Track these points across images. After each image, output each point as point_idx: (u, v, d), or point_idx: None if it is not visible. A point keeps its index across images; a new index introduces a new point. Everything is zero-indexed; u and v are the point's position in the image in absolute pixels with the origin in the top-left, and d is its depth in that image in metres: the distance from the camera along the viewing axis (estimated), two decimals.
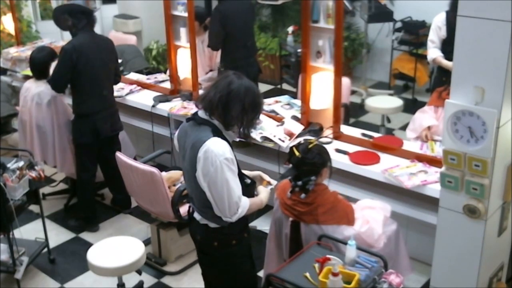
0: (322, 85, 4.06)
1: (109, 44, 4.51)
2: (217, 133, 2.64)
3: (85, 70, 4.27)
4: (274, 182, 3.01)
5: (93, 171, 4.58)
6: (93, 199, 4.70)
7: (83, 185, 4.58)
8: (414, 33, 6.44)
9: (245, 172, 2.87)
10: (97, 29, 5.61)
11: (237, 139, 3.79)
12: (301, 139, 3.45)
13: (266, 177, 3.00)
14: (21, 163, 3.81)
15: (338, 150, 3.92)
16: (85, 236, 4.57)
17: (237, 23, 5.07)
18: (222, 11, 4.99)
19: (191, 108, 4.63)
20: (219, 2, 5.15)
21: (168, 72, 5.25)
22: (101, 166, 4.63)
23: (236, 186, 2.65)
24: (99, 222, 4.69)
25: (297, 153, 3.04)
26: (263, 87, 6.90)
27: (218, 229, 2.77)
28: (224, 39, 5.06)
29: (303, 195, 3.06)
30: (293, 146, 3.13)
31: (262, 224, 4.48)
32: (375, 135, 4.15)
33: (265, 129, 4.18)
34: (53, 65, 4.51)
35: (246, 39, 5.22)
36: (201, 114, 2.70)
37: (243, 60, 5.09)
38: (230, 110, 2.61)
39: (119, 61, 5.44)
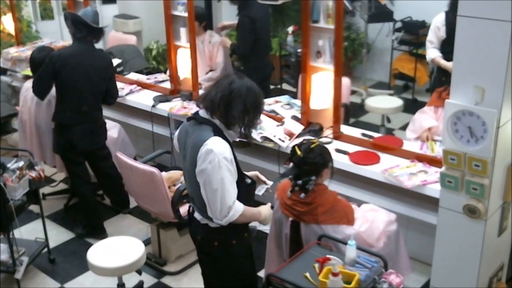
0: (322, 85, 4.06)
1: (105, 62, 4.35)
2: (218, 132, 2.65)
3: (67, 81, 4.17)
4: (270, 183, 3.01)
5: (82, 174, 4.45)
6: (95, 202, 4.62)
7: (79, 190, 4.49)
8: (414, 33, 6.44)
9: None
10: None
11: (237, 139, 3.80)
12: (301, 139, 3.45)
13: (262, 177, 3.01)
14: (21, 163, 3.81)
15: (338, 150, 3.92)
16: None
17: (264, 25, 5.06)
18: (252, 17, 4.92)
19: (191, 108, 4.63)
20: (243, 8, 5.00)
21: (168, 72, 5.24)
22: (96, 175, 4.58)
23: (231, 188, 2.64)
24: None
25: (299, 152, 3.05)
26: None
27: (218, 229, 2.77)
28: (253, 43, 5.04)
29: (302, 195, 3.06)
30: (295, 145, 3.13)
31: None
32: (375, 135, 4.15)
33: (265, 129, 4.18)
34: None
35: (266, 39, 5.24)
36: (202, 113, 2.71)
37: (261, 60, 5.07)
38: (231, 110, 2.62)
39: (119, 61, 5.44)
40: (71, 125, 4.24)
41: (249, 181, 2.82)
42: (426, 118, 4.14)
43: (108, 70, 4.37)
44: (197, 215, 2.84)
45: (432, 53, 4.51)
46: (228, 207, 2.64)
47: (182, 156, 2.81)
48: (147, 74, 5.78)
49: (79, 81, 4.19)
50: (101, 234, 4.48)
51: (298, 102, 4.44)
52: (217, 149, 2.58)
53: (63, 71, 4.14)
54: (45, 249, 4.19)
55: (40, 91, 4.29)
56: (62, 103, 4.25)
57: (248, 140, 3.96)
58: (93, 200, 4.59)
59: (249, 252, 2.95)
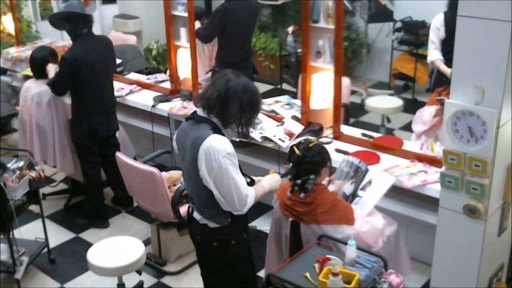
0: (322, 85, 4.06)
1: (108, 45, 4.50)
2: (217, 130, 2.65)
3: (87, 78, 4.28)
4: None
5: (97, 164, 4.59)
6: (102, 193, 4.71)
7: (90, 179, 4.58)
8: (414, 33, 6.44)
9: None
10: (97, 29, 5.61)
11: (237, 139, 3.79)
12: (301, 139, 3.45)
13: None
14: (21, 163, 3.81)
15: (338, 150, 3.91)
16: (85, 236, 4.57)
17: (239, 24, 5.03)
18: (228, 10, 4.95)
19: (191, 108, 4.63)
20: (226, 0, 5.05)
21: (168, 72, 5.24)
22: (102, 164, 4.64)
23: (241, 179, 2.66)
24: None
25: (297, 152, 3.05)
26: (263, 87, 6.90)
27: (217, 229, 2.77)
28: (222, 40, 5.04)
29: (302, 195, 3.06)
30: (294, 144, 3.14)
31: (262, 224, 4.49)
32: (375, 135, 4.15)
33: (265, 129, 4.18)
34: (50, 66, 4.52)
35: (244, 43, 5.17)
36: (200, 112, 2.71)
37: (238, 63, 5.04)
38: (228, 108, 2.62)
39: (119, 61, 5.45)
40: (94, 114, 4.39)
41: (248, 180, 2.82)
42: (430, 108, 4.16)
43: (113, 50, 4.57)
44: (196, 215, 2.84)
45: (433, 55, 4.50)
46: (245, 196, 2.66)
47: (181, 156, 2.81)
48: (147, 74, 5.79)
49: (98, 73, 4.34)
50: (104, 223, 4.62)
51: (298, 102, 4.44)
52: (218, 146, 2.58)
53: (82, 70, 4.24)
54: (45, 249, 4.19)
55: (61, 92, 4.43)
56: (84, 97, 4.37)
57: (246, 139, 3.98)
58: (100, 186, 4.67)
59: (248, 253, 2.94)
